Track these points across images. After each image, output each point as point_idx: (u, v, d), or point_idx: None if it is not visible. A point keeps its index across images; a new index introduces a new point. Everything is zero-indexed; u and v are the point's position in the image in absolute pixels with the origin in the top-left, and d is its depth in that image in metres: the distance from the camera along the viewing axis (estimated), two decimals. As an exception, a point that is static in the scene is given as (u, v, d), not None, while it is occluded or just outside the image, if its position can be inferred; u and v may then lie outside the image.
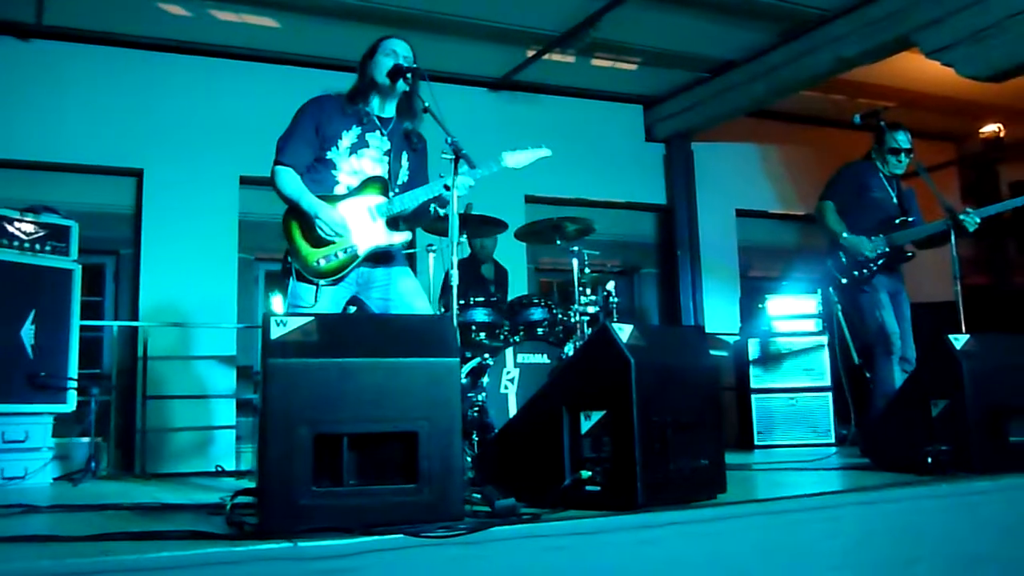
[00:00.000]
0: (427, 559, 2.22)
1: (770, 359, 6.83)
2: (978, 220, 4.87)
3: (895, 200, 5.32)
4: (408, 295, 3.77)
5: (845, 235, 5.24)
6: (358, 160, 3.74)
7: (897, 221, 5.22)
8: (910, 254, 5.25)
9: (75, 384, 4.79)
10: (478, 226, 5.27)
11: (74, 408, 4.82)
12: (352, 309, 4.17)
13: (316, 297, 3.62)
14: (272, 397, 2.32)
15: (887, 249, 5.18)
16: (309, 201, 3.62)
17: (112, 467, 5.66)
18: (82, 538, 2.23)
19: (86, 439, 5.00)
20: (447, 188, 3.54)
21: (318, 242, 3.65)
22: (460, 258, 3.40)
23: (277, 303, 6.39)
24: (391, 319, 3.38)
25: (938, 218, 5.02)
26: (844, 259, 5.27)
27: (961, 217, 4.84)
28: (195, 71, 7.12)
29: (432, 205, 3.81)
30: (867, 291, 5.17)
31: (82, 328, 5.00)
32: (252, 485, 3.45)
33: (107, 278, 7.08)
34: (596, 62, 7.87)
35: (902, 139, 5.29)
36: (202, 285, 6.88)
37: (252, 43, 7.14)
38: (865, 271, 5.18)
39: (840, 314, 5.72)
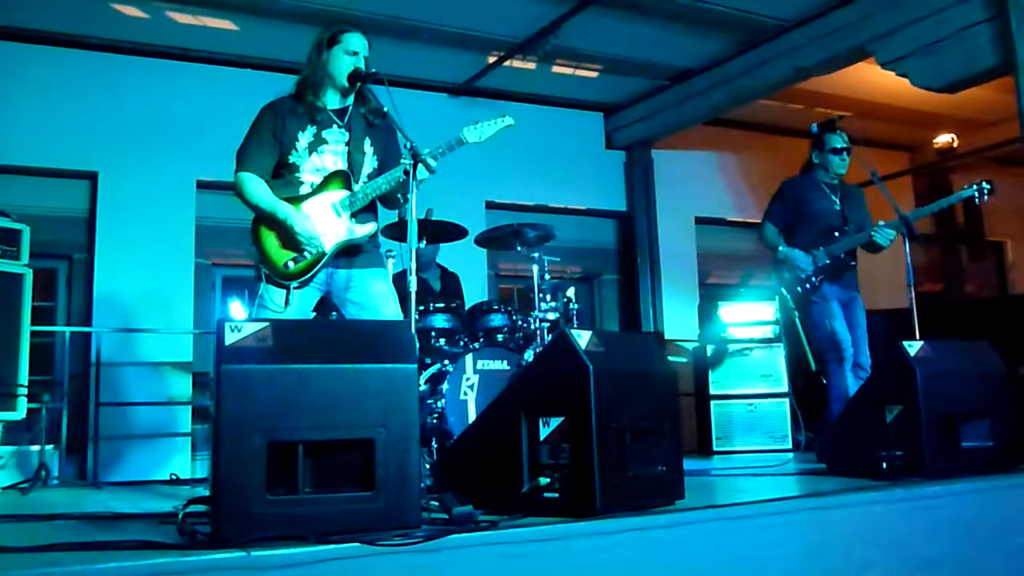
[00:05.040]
0: (383, 567, 2.20)
1: (727, 365, 6.87)
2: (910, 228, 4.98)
3: (838, 207, 5.35)
4: (378, 299, 3.73)
5: (781, 248, 5.33)
6: (319, 157, 3.72)
7: (836, 233, 5.28)
8: (853, 263, 5.32)
9: (25, 391, 4.71)
10: (438, 232, 5.24)
11: (24, 415, 4.73)
12: (313, 315, 4.13)
13: (288, 300, 3.59)
14: (225, 404, 2.29)
15: (828, 261, 5.23)
16: (284, 212, 3.60)
17: (64, 476, 5.55)
18: (29, 549, 2.17)
19: (36, 447, 4.92)
20: (407, 173, 3.50)
21: (286, 244, 3.64)
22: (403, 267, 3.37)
23: (235, 309, 6.34)
24: (348, 324, 3.36)
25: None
26: (787, 275, 5.32)
27: (908, 215, 4.95)
28: (151, 73, 7.01)
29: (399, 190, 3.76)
30: (817, 302, 5.21)
31: (33, 333, 4.92)
32: (206, 493, 3.40)
33: (60, 283, 6.94)
34: (557, 69, 7.90)
35: (842, 137, 5.35)
36: (157, 290, 6.77)
37: (210, 46, 7.05)
38: (808, 285, 5.23)
39: (798, 320, 5.79)
